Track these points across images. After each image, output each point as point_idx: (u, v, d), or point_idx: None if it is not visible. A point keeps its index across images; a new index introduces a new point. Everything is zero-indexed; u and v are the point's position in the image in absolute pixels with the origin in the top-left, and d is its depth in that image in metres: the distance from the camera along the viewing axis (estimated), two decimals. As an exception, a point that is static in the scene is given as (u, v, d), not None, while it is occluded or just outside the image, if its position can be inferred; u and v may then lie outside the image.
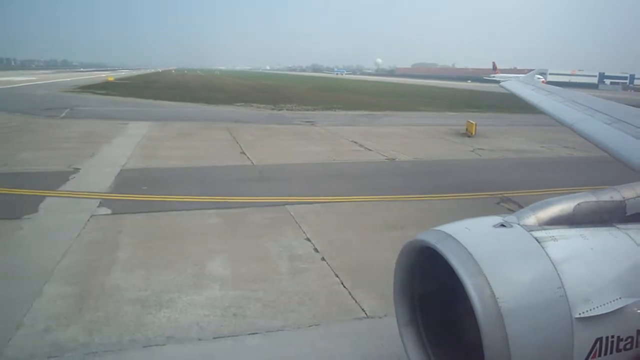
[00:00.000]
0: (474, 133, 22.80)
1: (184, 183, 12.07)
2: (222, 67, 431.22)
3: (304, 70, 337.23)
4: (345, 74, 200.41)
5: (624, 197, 2.92)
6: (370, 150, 18.03)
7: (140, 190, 11.04)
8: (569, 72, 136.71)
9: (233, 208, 9.93)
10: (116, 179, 12.09)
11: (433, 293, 2.80)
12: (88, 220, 8.82)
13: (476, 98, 56.60)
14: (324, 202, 10.55)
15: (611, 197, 2.90)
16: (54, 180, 11.75)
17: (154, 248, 7.63)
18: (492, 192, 11.92)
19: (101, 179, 12.04)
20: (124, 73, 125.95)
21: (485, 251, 2.36)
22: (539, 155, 18.86)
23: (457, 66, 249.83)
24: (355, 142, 19.62)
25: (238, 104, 38.14)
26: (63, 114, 27.01)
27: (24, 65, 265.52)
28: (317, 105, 38.69)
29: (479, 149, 19.42)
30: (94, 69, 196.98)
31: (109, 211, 9.40)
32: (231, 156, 15.88)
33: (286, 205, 10.12)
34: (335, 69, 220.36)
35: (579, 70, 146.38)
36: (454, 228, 2.53)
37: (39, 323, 5.31)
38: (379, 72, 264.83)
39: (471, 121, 23.57)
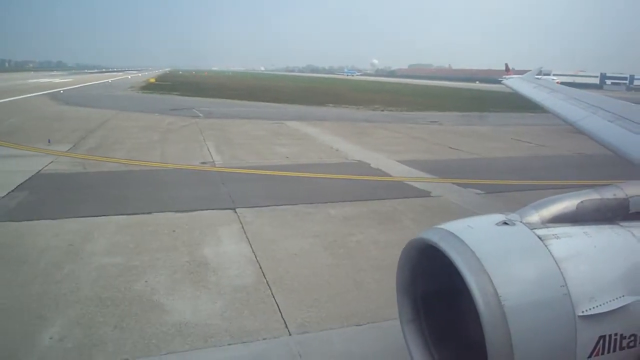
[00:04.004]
0: (597, 131, 25.81)
1: (476, 171, 14.51)
2: (215, 68, 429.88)
3: (301, 71, 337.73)
4: (356, 75, 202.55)
5: (627, 195, 2.92)
6: (542, 146, 20.71)
7: (459, 176, 13.41)
8: (572, 73, 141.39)
9: (551, 189, 12.48)
10: (414, 169, 14.34)
11: (436, 291, 2.83)
12: (483, 197, 11.35)
13: (517, 99, 59.65)
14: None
15: (614, 195, 2.90)
16: (366, 169, 14.21)
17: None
18: None
19: (402, 168, 14.46)
20: (137, 75, 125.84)
21: (487, 249, 2.39)
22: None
23: (454, 67, 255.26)
24: (517, 140, 22.27)
25: (328, 105, 40.49)
26: (200, 115, 28.96)
27: (20, 67, 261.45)
28: (395, 106, 40.93)
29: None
30: (95, 71, 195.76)
31: (480, 191, 11.87)
32: (447, 151, 18.34)
33: (596, 187, 12.76)
34: (346, 70, 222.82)
35: (581, 70, 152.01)
36: (457, 226, 2.57)
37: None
38: (379, 72, 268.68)
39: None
